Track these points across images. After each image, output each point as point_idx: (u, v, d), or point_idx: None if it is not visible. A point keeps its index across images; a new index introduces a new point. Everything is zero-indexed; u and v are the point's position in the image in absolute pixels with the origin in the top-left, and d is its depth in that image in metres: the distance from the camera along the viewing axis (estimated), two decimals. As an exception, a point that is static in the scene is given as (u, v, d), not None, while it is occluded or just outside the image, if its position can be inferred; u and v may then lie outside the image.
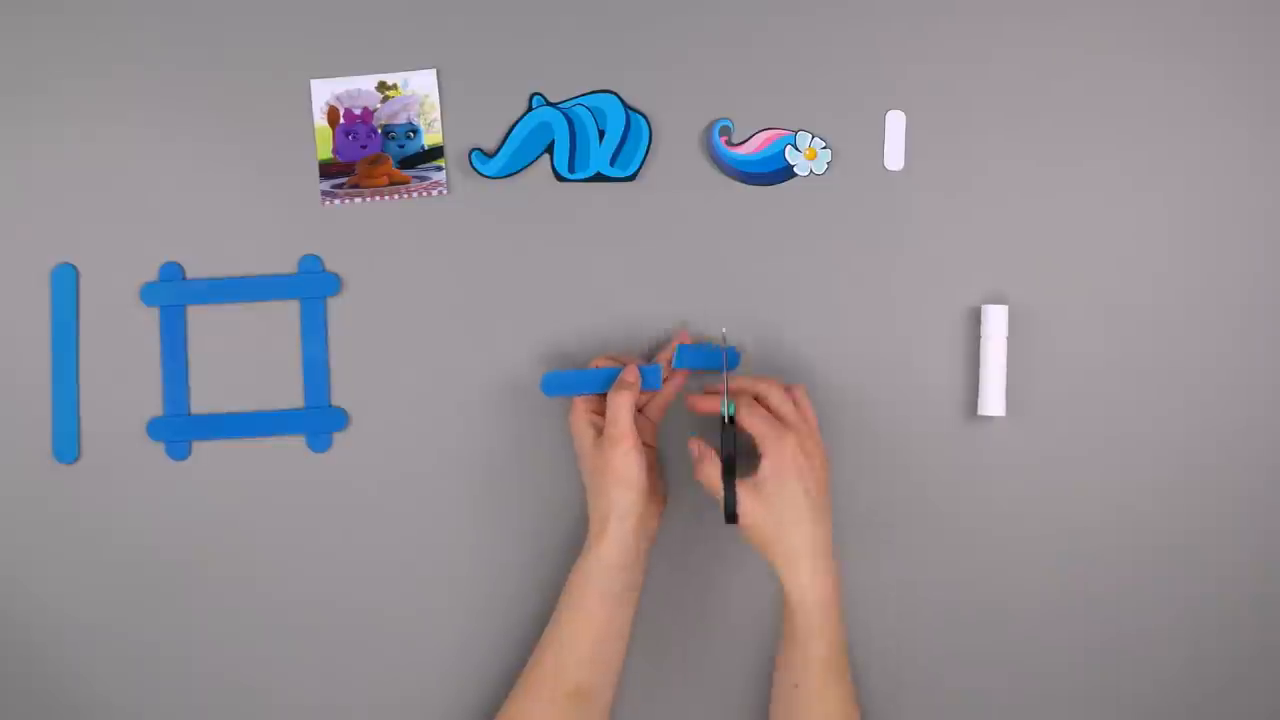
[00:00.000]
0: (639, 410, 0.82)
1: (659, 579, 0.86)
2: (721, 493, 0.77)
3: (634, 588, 0.81)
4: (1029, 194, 0.89)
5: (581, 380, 0.82)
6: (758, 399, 0.80)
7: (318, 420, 0.87)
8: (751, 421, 0.78)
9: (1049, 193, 0.89)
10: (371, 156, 0.87)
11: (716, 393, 0.81)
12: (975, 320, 0.88)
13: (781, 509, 0.77)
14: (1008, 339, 0.87)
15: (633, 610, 0.81)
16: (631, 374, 0.80)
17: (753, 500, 0.77)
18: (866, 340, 0.88)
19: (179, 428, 0.86)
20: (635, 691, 0.86)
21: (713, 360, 0.84)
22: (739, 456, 0.78)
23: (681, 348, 0.83)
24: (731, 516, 0.77)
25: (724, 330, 0.86)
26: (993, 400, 0.87)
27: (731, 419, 0.79)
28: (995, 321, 0.87)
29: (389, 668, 0.87)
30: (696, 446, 0.80)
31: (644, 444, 0.81)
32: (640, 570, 0.81)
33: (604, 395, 0.81)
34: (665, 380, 0.83)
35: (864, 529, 0.88)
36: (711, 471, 0.78)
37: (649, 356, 0.86)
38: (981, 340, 0.87)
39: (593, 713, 0.79)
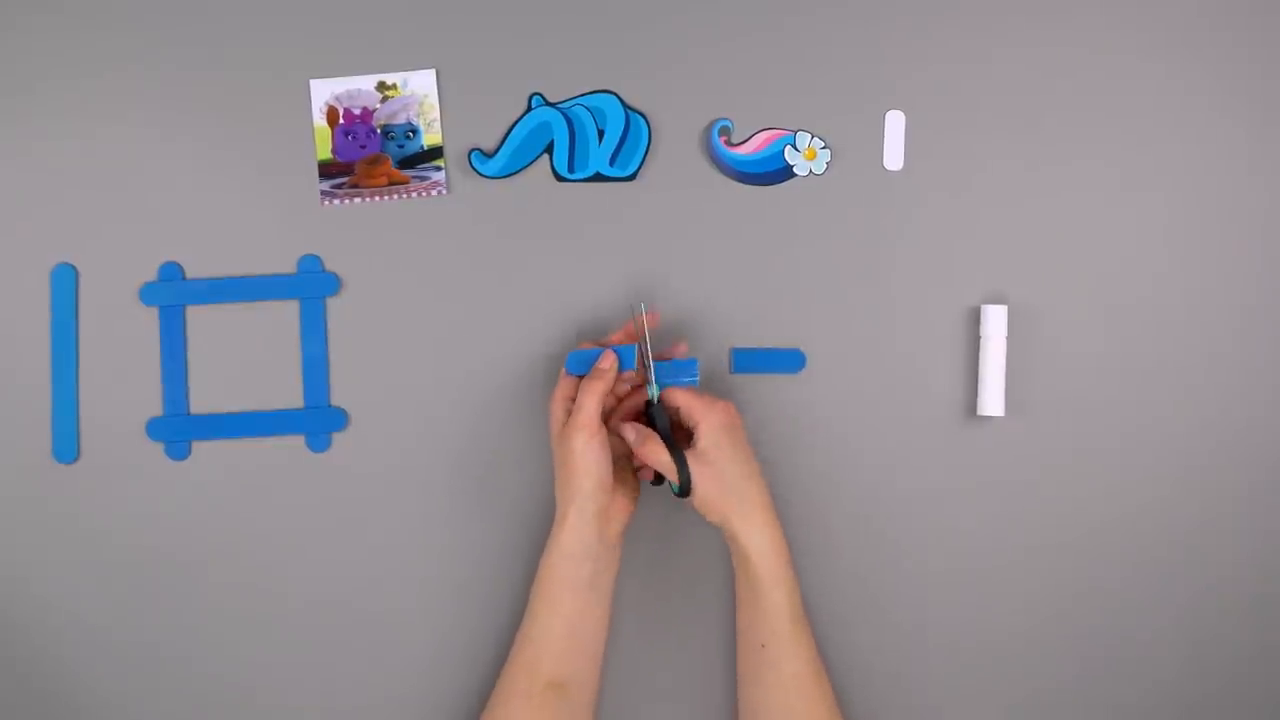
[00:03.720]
0: (619, 401, 0.83)
1: (644, 569, 0.87)
2: (673, 468, 0.77)
3: (603, 577, 0.80)
4: (1029, 194, 0.89)
5: (596, 359, 0.81)
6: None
7: (317, 420, 0.87)
8: (678, 395, 0.80)
9: (1049, 193, 0.89)
10: (371, 156, 0.87)
11: (633, 382, 0.82)
12: (975, 320, 0.88)
13: (727, 469, 0.78)
14: (1007, 339, 0.87)
15: (606, 600, 0.80)
16: (607, 361, 0.80)
17: (701, 468, 0.77)
18: (866, 340, 0.88)
19: (179, 428, 0.86)
20: (621, 684, 0.86)
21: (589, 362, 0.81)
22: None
23: (573, 354, 0.81)
24: (686, 489, 0.78)
25: (643, 306, 0.83)
26: (992, 400, 0.87)
27: (658, 401, 0.80)
28: (995, 321, 0.87)
29: (390, 667, 0.87)
30: (634, 430, 0.80)
31: (615, 435, 0.81)
32: (610, 561, 0.80)
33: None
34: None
35: (862, 528, 0.88)
36: (658, 449, 0.78)
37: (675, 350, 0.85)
38: (981, 340, 0.87)
39: (575, 705, 0.79)
